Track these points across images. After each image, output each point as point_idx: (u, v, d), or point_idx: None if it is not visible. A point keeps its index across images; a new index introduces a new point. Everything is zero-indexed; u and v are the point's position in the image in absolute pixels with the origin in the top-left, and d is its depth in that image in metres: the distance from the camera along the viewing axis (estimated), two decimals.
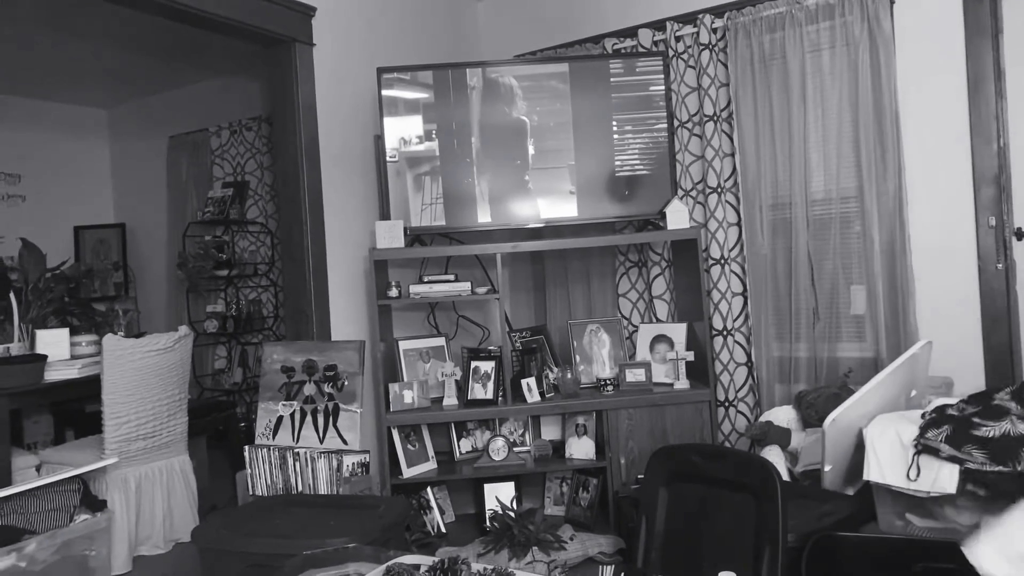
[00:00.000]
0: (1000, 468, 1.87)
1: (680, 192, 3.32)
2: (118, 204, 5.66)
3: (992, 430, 1.93)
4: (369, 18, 3.31)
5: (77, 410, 3.76)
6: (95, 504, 2.64)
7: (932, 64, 2.87)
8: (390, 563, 1.60)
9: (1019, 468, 1.84)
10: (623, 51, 3.46)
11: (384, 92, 3.03)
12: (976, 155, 2.81)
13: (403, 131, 3.05)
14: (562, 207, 3.13)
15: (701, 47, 3.24)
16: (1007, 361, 2.78)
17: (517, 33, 3.88)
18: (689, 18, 3.30)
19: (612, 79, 3.13)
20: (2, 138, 5.03)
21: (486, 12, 4.01)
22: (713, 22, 3.23)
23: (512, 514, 2.71)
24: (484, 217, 3.10)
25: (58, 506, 2.59)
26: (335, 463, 2.59)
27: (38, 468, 2.98)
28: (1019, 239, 2.82)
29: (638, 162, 3.15)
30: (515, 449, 3.03)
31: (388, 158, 3.04)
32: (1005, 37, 2.82)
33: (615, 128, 3.14)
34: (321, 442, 2.68)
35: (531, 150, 3.11)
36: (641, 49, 3.41)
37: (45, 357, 2.96)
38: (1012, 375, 2.76)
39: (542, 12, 3.81)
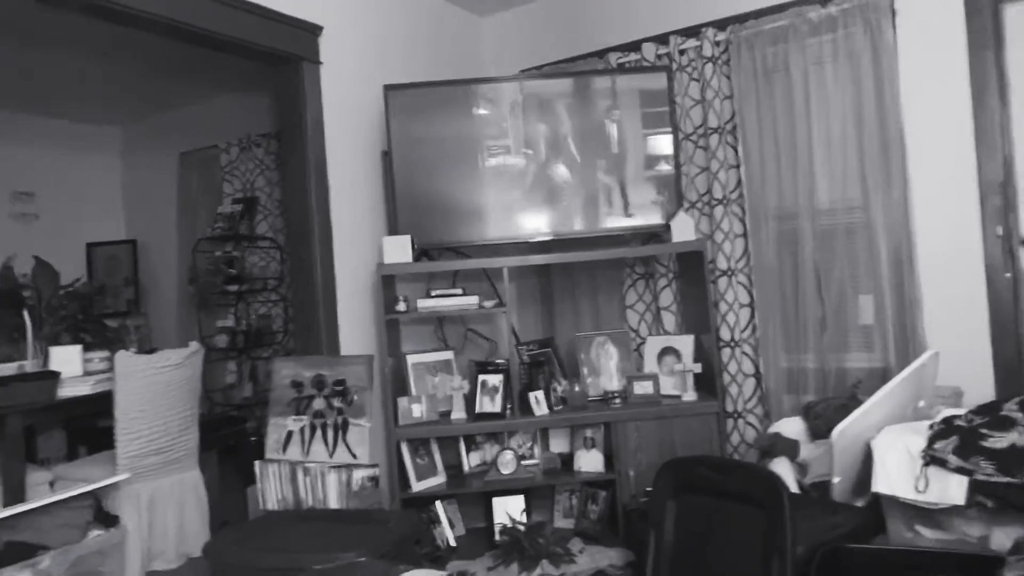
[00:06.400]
0: (1008, 479, 1.87)
1: (686, 204, 3.33)
2: (129, 221, 5.72)
3: (1000, 441, 1.93)
4: (375, 36, 3.36)
5: (90, 426, 3.79)
6: (108, 520, 2.65)
7: (935, 74, 2.88)
8: None
9: None
10: (627, 64, 3.49)
11: (397, 109, 3.05)
12: (981, 164, 2.81)
13: (420, 147, 3.07)
14: (569, 220, 3.15)
15: (704, 60, 3.26)
16: (1016, 371, 2.77)
17: (521, 48, 3.92)
18: (692, 31, 3.32)
19: (619, 93, 3.16)
20: (15, 156, 5.10)
21: (491, 28, 4.05)
22: (716, 35, 3.25)
23: (521, 527, 2.71)
24: (492, 231, 3.12)
25: (71, 522, 2.61)
26: (345, 477, 2.61)
27: (52, 484, 3.01)
28: None
29: (644, 175, 3.17)
30: (524, 462, 3.04)
31: None
32: (1008, 46, 2.83)
33: (621, 141, 3.16)
34: (331, 456, 2.69)
35: (538, 163, 3.13)
36: (645, 63, 3.43)
37: (58, 374, 2.99)
38: (1021, 385, 2.75)
39: (546, 27, 3.85)
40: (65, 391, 2.99)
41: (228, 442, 3.91)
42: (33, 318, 3.26)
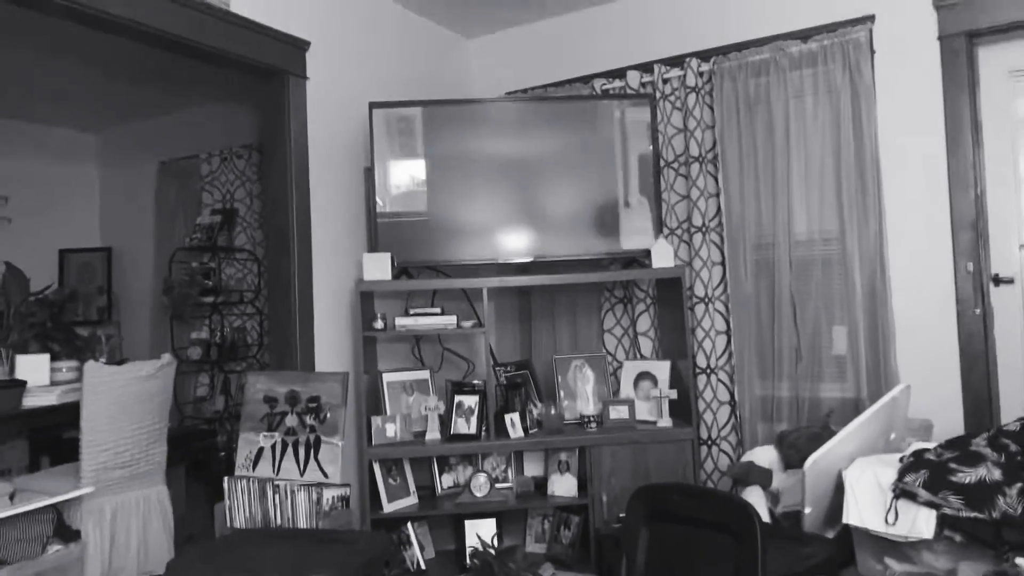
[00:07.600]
0: (976, 514, 1.88)
1: (666, 231, 3.36)
2: (105, 228, 5.63)
3: (968, 476, 1.95)
4: (362, 53, 3.37)
5: (54, 437, 3.70)
6: (68, 534, 2.59)
7: (912, 112, 2.95)
8: None
9: (995, 515, 1.85)
10: (612, 91, 3.53)
11: (381, 126, 3.06)
12: (954, 202, 2.87)
13: (403, 165, 3.08)
14: (549, 242, 3.16)
15: (688, 90, 3.31)
16: (985, 405, 2.81)
17: (508, 71, 3.95)
18: (676, 61, 3.37)
19: (602, 120, 3.19)
20: None
21: (477, 50, 4.08)
22: (700, 66, 3.31)
23: (492, 551, 2.68)
24: (473, 251, 3.12)
25: (30, 536, 2.54)
26: (315, 496, 2.57)
27: (12, 496, 2.92)
28: (996, 285, 2.87)
29: (625, 200, 3.19)
30: (497, 485, 3.01)
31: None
32: (982, 88, 2.90)
33: (603, 166, 3.18)
34: (301, 475, 2.65)
35: (520, 185, 3.14)
36: (629, 90, 3.47)
37: (24, 383, 2.92)
38: (990, 419, 2.79)
39: (533, 51, 3.88)
40: (30, 401, 2.93)
41: (197, 457, 3.84)
42: (0, 325, 3.19)
